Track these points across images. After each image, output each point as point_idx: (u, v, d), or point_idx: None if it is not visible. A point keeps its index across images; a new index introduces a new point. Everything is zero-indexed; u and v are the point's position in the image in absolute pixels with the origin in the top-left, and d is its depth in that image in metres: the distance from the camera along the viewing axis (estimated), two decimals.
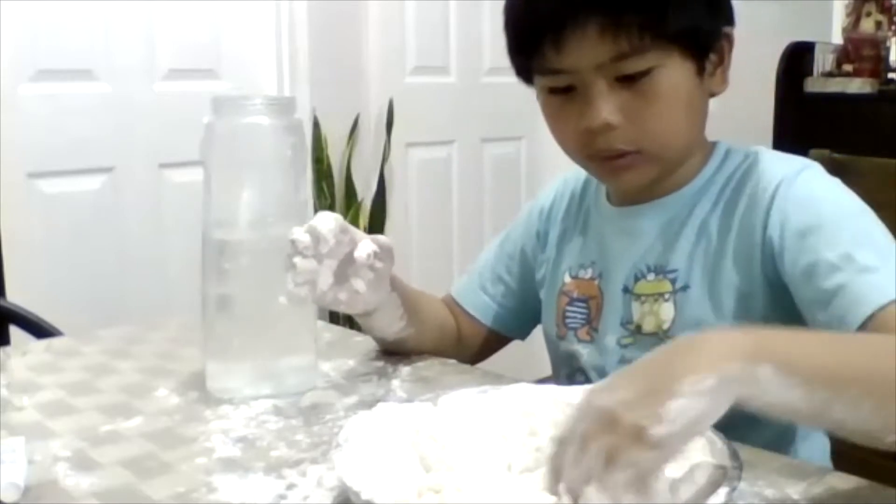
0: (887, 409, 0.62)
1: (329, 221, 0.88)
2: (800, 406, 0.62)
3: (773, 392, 0.61)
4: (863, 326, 0.78)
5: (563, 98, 0.92)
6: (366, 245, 0.90)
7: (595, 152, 0.93)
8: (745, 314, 0.91)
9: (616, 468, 0.57)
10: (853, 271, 0.81)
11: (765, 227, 0.89)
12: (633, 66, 0.88)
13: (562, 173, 1.17)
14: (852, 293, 0.80)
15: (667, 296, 0.95)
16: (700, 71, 0.92)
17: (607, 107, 0.88)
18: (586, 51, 0.87)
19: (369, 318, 1.01)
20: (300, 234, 0.87)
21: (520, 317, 1.15)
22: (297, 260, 0.87)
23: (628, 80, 0.88)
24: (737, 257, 0.92)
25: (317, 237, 0.87)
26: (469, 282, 1.16)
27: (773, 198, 0.89)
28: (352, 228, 0.92)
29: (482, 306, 1.14)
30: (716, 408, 0.59)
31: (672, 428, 0.57)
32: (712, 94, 0.95)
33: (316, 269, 0.88)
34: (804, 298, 0.85)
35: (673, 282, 0.95)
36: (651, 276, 0.96)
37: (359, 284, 0.91)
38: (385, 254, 0.93)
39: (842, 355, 0.65)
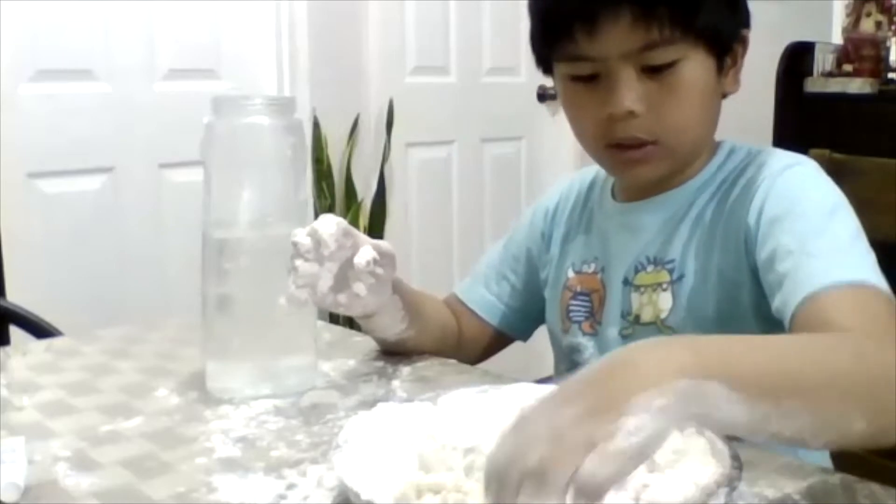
0: (819, 417, 0.61)
1: (331, 225, 0.88)
2: (742, 421, 0.59)
3: (720, 409, 0.58)
4: (799, 307, 0.79)
5: (585, 86, 0.93)
6: (366, 252, 0.90)
7: (613, 141, 0.94)
8: (735, 301, 0.92)
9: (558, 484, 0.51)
10: (802, 256, 0.83)
11: (747, 216, 0.91)
12: (661, 56, 0.90)
13: (564, 174, 1.18)
14: (796, 276, 0.82)
15: (665, 285, 0.96)
16: (719, 69, 0.94)
17: (631, 94, 0.90)
18: (617, 38, 0.88)
19: (370, 320, 1.01)
20: (302, 237, 0.88)
21: (524, 317, 1.16)
22: (299, 263, 0.88)
23: (653, 71, 0.90)
24: (725, 245, 0.93)
25: (318, 240, 0.87)
26: (474, 282, 1.17)
27: (758, 188, 0.91)
28: (355, 232, 0.91)
29: (488, 305, 1.15)
30: (668, 427, 0.55)
31: (627, 444, 0.52)
32: (724, 95, 0.97)
33: (317, 272, 0.88)
34: (765, 283, 0.87)
35: (671, 272, 0.96)
36: (650, 268, 0.98)
37: (359, 288, 0.91)
38: (386, 260, 0.93)
39: (778, 364, 0.63)
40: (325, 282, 0.89)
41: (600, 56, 0.90)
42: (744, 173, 0.96)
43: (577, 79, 0.94)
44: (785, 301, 0.82)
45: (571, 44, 0.91)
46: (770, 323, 0.87)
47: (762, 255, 0.88)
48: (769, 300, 0.87)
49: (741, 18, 0.96)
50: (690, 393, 0.57)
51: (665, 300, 0.96)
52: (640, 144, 0.93)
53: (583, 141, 0.98)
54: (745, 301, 0.92)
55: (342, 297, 0.91)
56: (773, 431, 0.61)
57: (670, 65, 0.90)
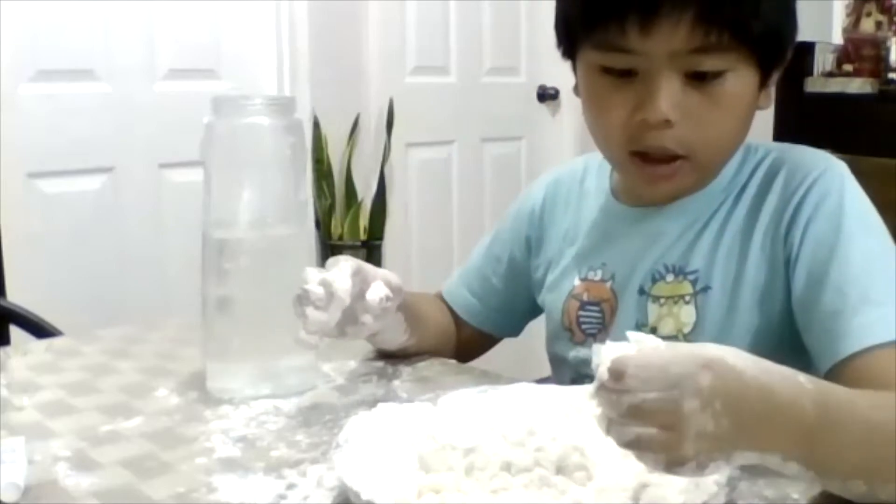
0: (878, 492, 0.64)
1: (345, 280, 0.87)
2: (799, 479, 0.64)
3: (784, 472, 0.62)
4: (851, 359, 0.78)
5: (617, 81, 0.86)
6: (378, 289, 0.90)
7: (642, 149, 0.87)
8: (768, 315, 0.89)
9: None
10: (857, 300, 0.80)
11: (790, 227, 0.88)
12: (711, 63, 0.83)
13: (547, 173, 1.14)
14: (850, 322, 0.80)
15: (687, 298, 0.92)
16: (762, 85, 0.89)
17: (670, 101, 0.84)
18: (673, 36, 0.81)
19: (373, 336, 1.00)
20: (314, 287, 0.86)
21: (509, 316, 1.14)
22: (309, 311, 0.86)
23: (698, 79, 0.84)
24: (762, 254, 0.89)
25: (331, 294, 0.86)
26: (458, 283, 1.15)
27: (803, 199, 0.88)
28: (364, 268, 0.90)
29: (470, 308, 1.13)
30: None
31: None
32: (757, 108, 0.92)
33: (327, 319, 0.87)
34: (800, 306, 0.85)
35: (693, 283, 0.92)
36: (670, 278, 0.94)
37: (367, 319, 0.90)
38: (395, 293, 0.92)
39: (858, 455, 0.64)
40: (334, 319, 0.88)
41: (647, 52, 0.83)
42: (774, 177, 0.91)
43: (608, 71, 0.86)
44: (833, 341, 0.80)
45: (619, 33, 0.83)
46: (800, 340, 0.86)
47: (802, 276, 0.85)
48: (801, 326, 0.85)
49: (794, 37, 0.90)
50: (776, 462, 0.61)
51: (688, 313, 0.92)
52: (670, 158, 0.87)
53: (604, 142, 0.92)
54: (778, 314, 0.88)
55: (350, 329, 0.91)
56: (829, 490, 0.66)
57: (717, 74, 0.84)
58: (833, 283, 0.82)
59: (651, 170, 0.89)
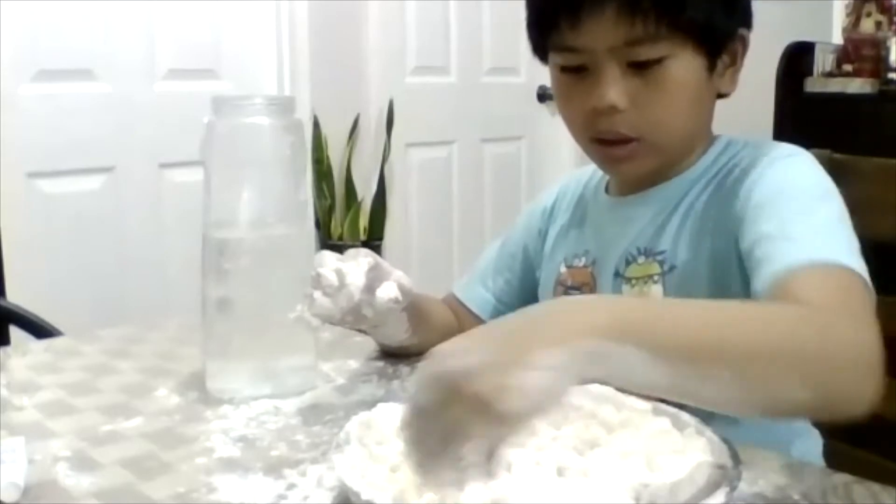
0: (751, 386, 0.61)
1: (359, 276, 0.88)
2: (661, 385, 0.60)
3: (634, 372, 0.58)
4: (771, 286, 0.78)
5: (574, 77, 0.93)
6: (390, 289, 0.90)
7: (597, 135, 0.94)
8: (725, 289, 0.91)
9: (459, 444, 0.54)
10: (781, 239, 0.82)
11: (737, 202, 0.90)
12: (646, 52, 0.89)
13: (564, 174, 1.17)
14: (772, 258, 0.81)
15: (656, 277, 0.96)
16: (711, 68, 0.93)
17: (615, 89, 0.90)
18: (601, 32, 0.88)
19: (373, 329, 1.00)
20: (328, 272, 0.87)
21: None
22: (318, 295, 0.87)
23: (640, 67, 0.90)
24: (716, 232, 0.92)
25: (343, 286, 0.87)
26: (472, 281, 1.17)
27: (749, 176, 0.91)
28: (380, 265, 0.91)
29: (484, 302, 1.15)
30: (563, 384, 0.56)
31: (518, 403, 0.54)
32: (721, 94, 0.97)
33: (332, 307, 0.88)
34: (748, 270, 0.86)
35: (661, 263, 0.96)
36: (641, 259, 0.98)
37: (368, 312, 0.91)
38: (405, 294, 0.92)
39: (711, 331, 0.62)
40: (339, 308, 0.88)
41: (586, 48, 0.90)
42: (738, 164, 0.95)
43: (566, 69, 0.94)
44: (760, 282, 0.81)
45: (559, 35, 0.91)
46: None
47: (746, 240, 0.87)
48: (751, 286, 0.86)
49: (739, 18, 0.95)
50: (593, 354, 0.57)
51: (657, 293, 0.95)
52: (623, 141, 0.93)
53: (571, 132, 0.98)
54: (735, 288, 0.90)
55: (350, 318, 0.91)
56: (700, 397, 0.62)
57: (657, 62, 0.89)
58: (765, 235, 0.84)
59: (609, 151, 0.95)
